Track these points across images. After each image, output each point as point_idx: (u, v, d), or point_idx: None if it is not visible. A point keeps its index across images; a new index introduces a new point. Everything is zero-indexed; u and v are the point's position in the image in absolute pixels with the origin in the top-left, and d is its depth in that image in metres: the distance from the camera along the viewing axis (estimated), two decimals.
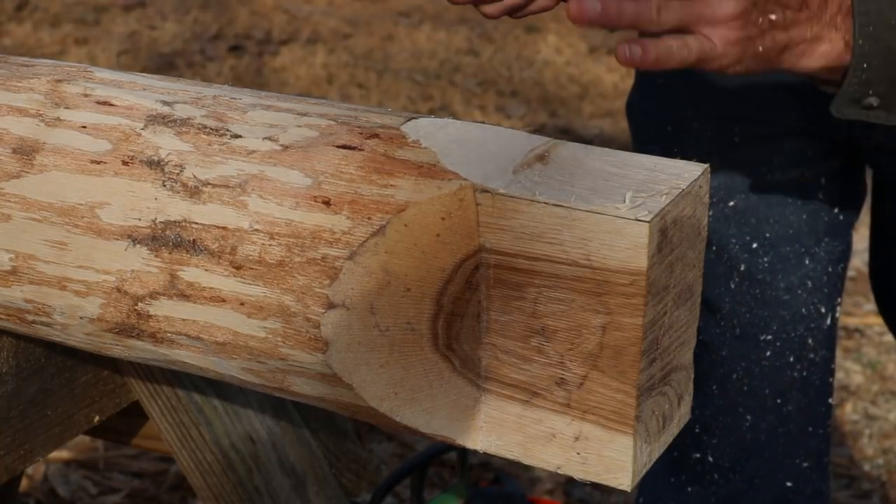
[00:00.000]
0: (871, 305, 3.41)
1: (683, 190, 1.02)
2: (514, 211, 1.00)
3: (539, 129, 4.61)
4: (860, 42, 1.23)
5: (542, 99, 4.98)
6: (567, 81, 5.19)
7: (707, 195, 1.06)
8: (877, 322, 3.36)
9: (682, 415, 1.10)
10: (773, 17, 1.21)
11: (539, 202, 1.00)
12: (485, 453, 1.09)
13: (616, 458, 1.03)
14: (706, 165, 1.06)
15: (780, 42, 1.22)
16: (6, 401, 1.26)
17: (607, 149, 1.09)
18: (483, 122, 1.11)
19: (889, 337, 3.32)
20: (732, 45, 1.19)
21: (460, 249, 1.02)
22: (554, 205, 0.99)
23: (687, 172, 1.05)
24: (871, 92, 1.27)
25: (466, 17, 5.74)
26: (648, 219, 0.97)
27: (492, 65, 5.28)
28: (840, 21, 1.24)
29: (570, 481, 2.75)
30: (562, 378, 1.03)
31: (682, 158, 1.10)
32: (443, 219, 1.01)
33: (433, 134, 1.07)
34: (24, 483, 2.61)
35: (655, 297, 1.00)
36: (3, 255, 1.15)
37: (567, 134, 4.57)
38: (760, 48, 1.21)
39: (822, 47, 1.24)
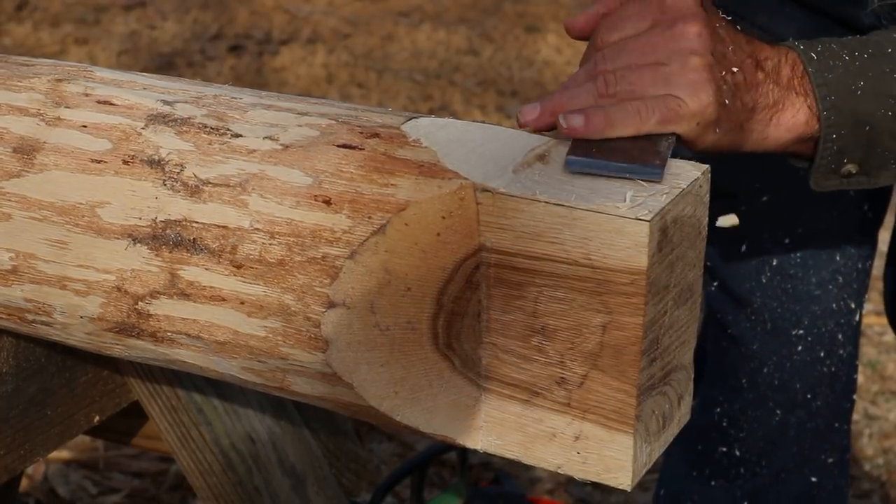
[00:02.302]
0: (871, 305, 3.41)
1: (684, 189, 1.02)
2: (515, 210, 1.00)
3: None
4: (825, 113, 1.17)
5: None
6: None
7: (707, 195, 1.06)
8: (877, 322, 3.36)
9: (682, 414, 1.10)
10: (734, 70, 1.13)
11: (539, 201, 1.00)
12: (485, 453, 1.09)
13: (616, 458, 1.03)
14: (706, 166, 1.06)
15: (747, 104, 1.14)
16: (6, 401, 1.26)
17: None
18: (483, 122, 1.11)
19: (889, 337, 3.32)
20: (704, 100, 1.10)
21: (461, 248, 1.02)
22: (554, 204, 0.99)
23: (687, 172, 1.05)
24: (845, 161, 1.21)
25: (466, 17, 5.74)
26: (649, 218, 0.97)
27: (492, 65, 5.28)
28: (798, 84, 1.18)
29: (570, 481, 2.75)
30: (562, 377, 1.02)
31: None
32: (443, 218, 1.01)
33: (433, 133, 1.07)
34: (24, 483, 2.60)
35: (655, 297, 1.00)
36: (4, 255, 1.15)
37: None
38: (731, 108, 1.12)
39: (787, 116, 1.17)
